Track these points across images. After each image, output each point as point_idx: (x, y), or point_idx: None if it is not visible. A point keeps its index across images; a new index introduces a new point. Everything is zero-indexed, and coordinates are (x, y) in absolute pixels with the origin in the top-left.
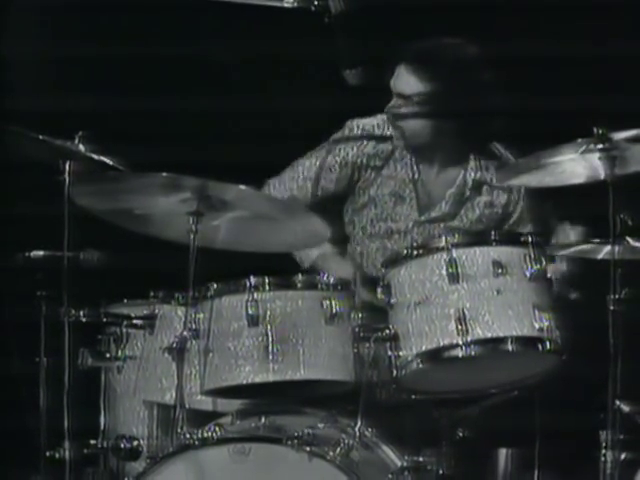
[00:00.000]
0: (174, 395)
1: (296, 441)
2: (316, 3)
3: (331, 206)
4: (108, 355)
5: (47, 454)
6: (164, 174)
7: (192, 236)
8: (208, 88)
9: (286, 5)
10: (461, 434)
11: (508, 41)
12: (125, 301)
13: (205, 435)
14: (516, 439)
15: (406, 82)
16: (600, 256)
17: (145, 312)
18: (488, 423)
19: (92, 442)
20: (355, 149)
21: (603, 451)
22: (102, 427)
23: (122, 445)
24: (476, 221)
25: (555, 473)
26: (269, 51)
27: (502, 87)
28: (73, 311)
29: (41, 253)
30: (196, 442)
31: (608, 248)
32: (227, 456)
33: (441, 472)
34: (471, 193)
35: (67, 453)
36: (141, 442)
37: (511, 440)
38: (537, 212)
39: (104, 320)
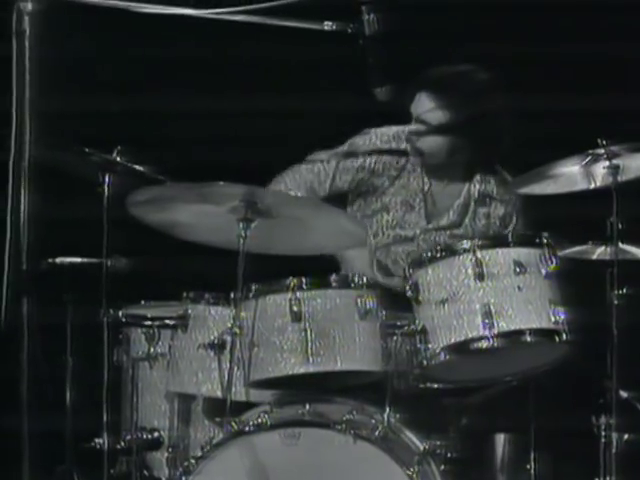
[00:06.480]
0: (211, 387)
1: (343, 425)
2: (352, 26)
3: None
4: (140, 353)
5: (84, 446)
6: (221, 183)
7: (241, 242)
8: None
9: (326, 28)
10: (465, 420)
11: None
12: (143, 302)
13: (259, 421)
14: (514, 424)
15: (427, 108)
16: (594, 257)
17: (179, 312)
18: (489, 410)
19: (123, 433)
20: (374, 156)
21: (603, 433)
22: (134, 420)
23: (144, 436)
24: (477, 231)
25: (551, 456)
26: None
27: (510, 109)
28: (111, 311)
29: (67, 260)
30: (251, 428)
31: (601, 249)
32: (278, 440)
33: (449, 455)
34: (475, 204)
35: (105, 444)
36: (162, 433)
37: (509, 425)
38: (525, 224)
39: (139, 321)
